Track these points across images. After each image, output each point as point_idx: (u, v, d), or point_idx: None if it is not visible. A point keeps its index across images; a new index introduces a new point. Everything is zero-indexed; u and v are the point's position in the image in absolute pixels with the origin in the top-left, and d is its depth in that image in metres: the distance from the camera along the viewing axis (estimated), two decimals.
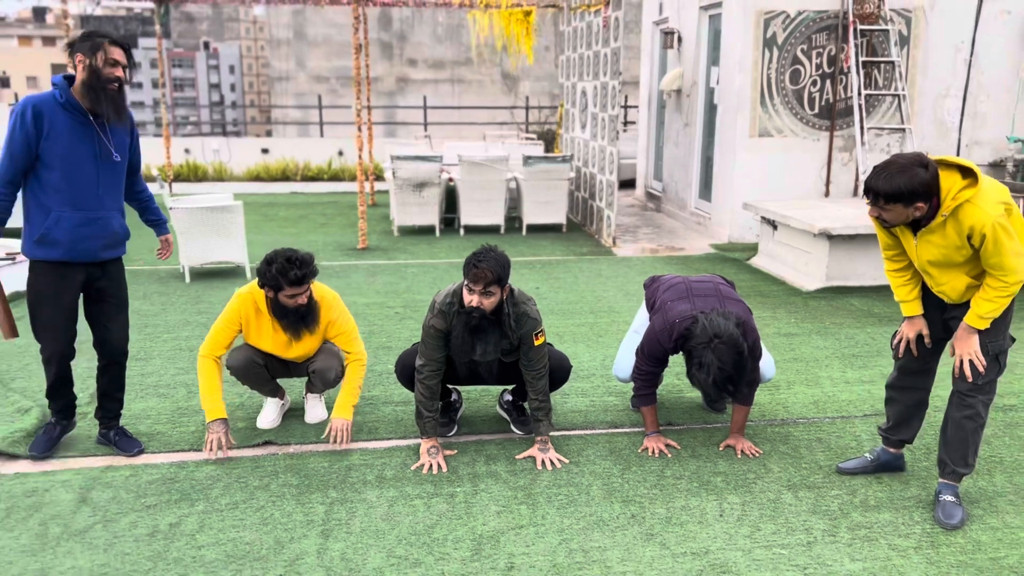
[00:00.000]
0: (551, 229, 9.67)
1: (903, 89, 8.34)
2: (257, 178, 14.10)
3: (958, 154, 8.90)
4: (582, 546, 3.05)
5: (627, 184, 13.39)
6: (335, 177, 14.18)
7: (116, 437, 3.83)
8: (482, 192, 9.27)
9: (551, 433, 3.88)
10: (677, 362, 4.81)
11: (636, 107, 13.18)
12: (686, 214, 10.17)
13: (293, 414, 4.22)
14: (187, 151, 14.27)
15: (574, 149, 10.65)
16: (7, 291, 5.45)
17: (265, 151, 14.75)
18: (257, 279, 3.70)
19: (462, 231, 9.44)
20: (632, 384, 3.89)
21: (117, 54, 3.39)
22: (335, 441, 3.76)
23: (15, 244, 7.26)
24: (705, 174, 9.80)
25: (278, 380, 4.12)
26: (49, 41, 72.81)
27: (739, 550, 3.03)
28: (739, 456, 3.78)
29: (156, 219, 3.96)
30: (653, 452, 3.80)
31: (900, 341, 3.39)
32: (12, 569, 2.88)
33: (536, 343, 3.67)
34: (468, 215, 9.39)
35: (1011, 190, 7.09)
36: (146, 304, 6.30)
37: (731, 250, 8.44)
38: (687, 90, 10.06)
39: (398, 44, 26.78)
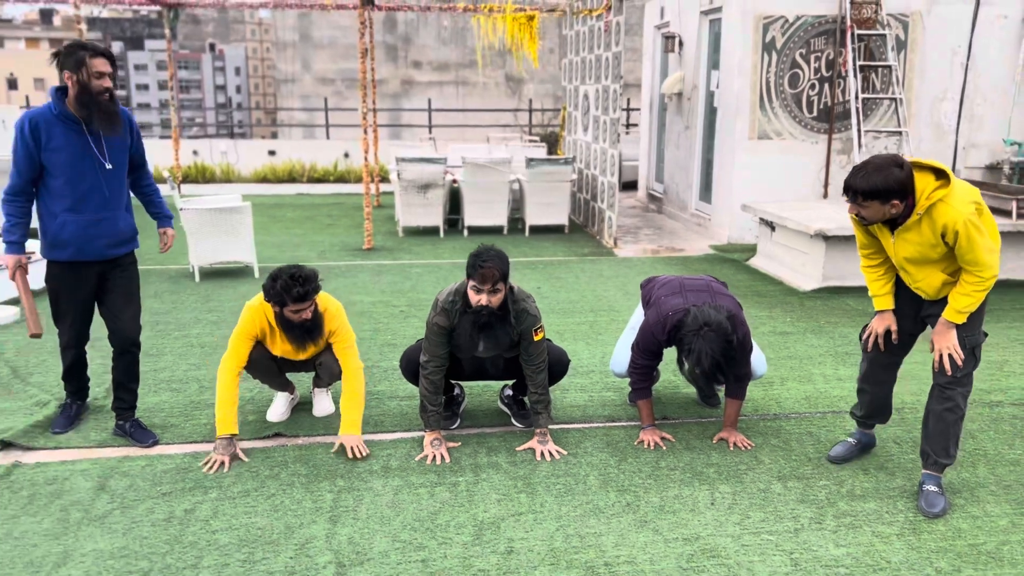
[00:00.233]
0: (553, 230, 9.82)
1: (900, 93, 8.47)
2: (264, 179, 14.27)
3: (955, 157, 9.04)
4: (578, 532, 3.19)
5: (629, 186, 13.53)
6: (341, 179, 14.34)
7: (132, 429, 3.99)
8: (485, 193, 9.42)
9: (550, 426, 4.02)
10: (673, 357, 4.96)
11: (639, 110, 13.31)
12: (687, 215, 10.31)
13: (302, 408, 4.37)
14: (195, 152, 14.45)
15: (576, 151, 10.79)
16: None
17: (272, 153, 14.92)
18: (263, 295, 3.78)
19: (466, 232, 9.59)
20: (629, 379, 4.03)
21: (101, 65, 3.57)
22: (352, 457, 3.79)
23: (31, 244, 7.43)
24: (705, 176, 9.94)
25: (287, 375, 4.26)
26: (56, 43, 73.23)
27: (728, 536, 3.17)
28: (732, 448, 3.92)
29: (159, 212, 4.15)
30: (649, 444, 3.94)
31: (869, 336, 3.54)
32: (36, 551, 3.03)
33: (536, 338, 3.81)
34: (472, 216, 9.54)
35: (1007, 192, 7.22)
36: (157, 303, 6.46)
37: (730, 251, 8.58)
38: (688, 93, 10.20)
39: (403, 47, 26.96)
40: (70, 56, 3.54)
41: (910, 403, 4.44)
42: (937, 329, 3.29)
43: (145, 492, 3.48)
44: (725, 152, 9.08)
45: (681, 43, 10.36)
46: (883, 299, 3.47)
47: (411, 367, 3.99)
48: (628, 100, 17.12)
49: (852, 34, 8.40)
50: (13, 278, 3.73)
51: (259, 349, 3.99)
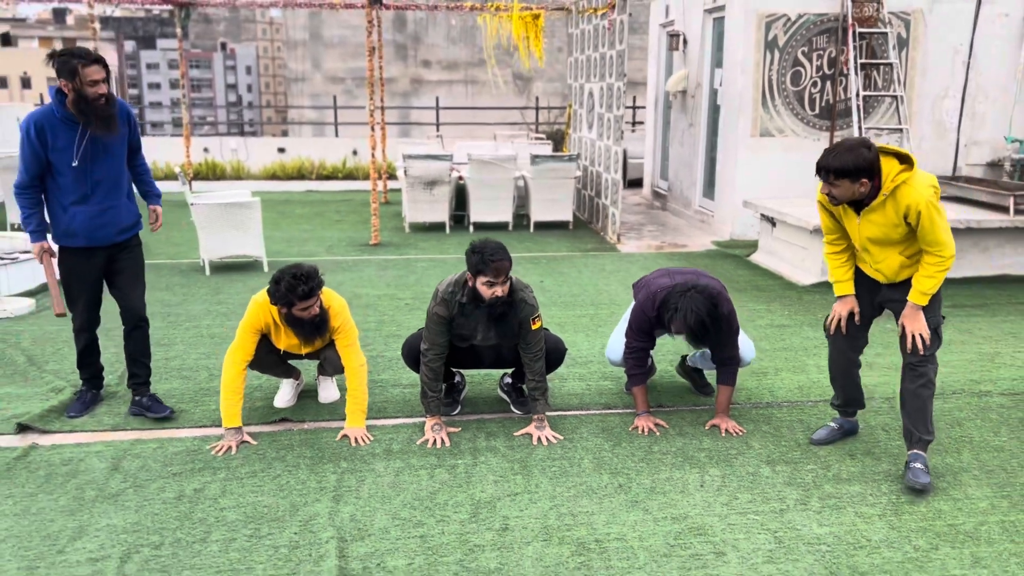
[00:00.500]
0: (558, 226, 9.94)
1: (900, 91, 8.55)
2: (274, 176, 14.45)
3: (956, 154, 9.12)
4: (571, 511, 3.32)
5: (636, 183, 13.64)
6: (349, 176, 14.51)
7: (148, 402, 4.22)
8: (491, 190, 9.55)
9: (547, 412, 4.15)
10: (668, 350, 5.08)
11: (645, 107, 13.42)
12: (690, 212, 10.42)
13: (307, 395, 4.51)
14: (206, 150, 14.64)
15: (582, 148, 10.91)
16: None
17: (281, 150, 15.10)
18: (269, 298, 3.88)
19: (471, 228, 9.73)
20: (624, 366, 4.16)
21: (94, 73, 3.76)
22: (356, 445, 3.91)
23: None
24: (709, 173, 10.04)
25: (292, 362, 4.40)
26: (69, 43, 73.74)
27: (716, 516, 3.29)
28: (723, 434, 4.04)
29: (148, 190, 4.35)
30: (643, 430, 4.06)
31: (833, 320, 3.74)
32: (53, 526, 3.18)
33: (533, 327, 3.94)
34: (477, 212, 9.67)
35: (1004, 189, 7.30)
36: (168, 295, 6.62)
37: (732, 247, 8.68)
38: (692, 91, 10.30)
39: (412, 45, 27.12)
40: (64, 65, 3.73)
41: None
42: (905, 313, 3.49)
43: (157, 472, 3.63)
44: (728, 149, 9.18)
45: (685, 41, 10.47)
46: (845, 285, 3.69)
47: (412, 354, 4.13)
48: (634, 98, 17.21)
49: (854, 32, 8.49)
50: (41, 262, 4.01)
51: (263, 346, 4.06)
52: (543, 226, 9.89)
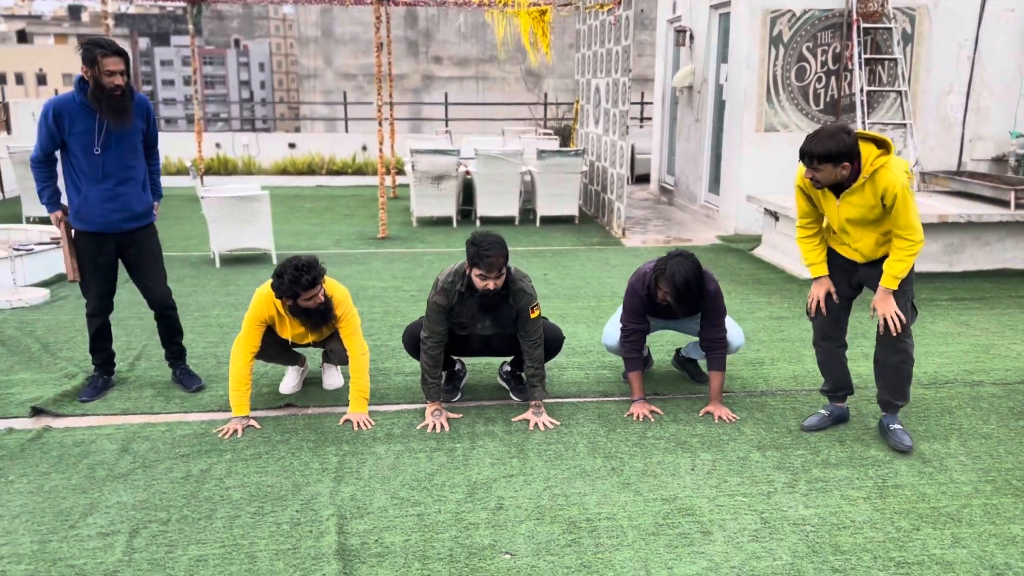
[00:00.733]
0: (564, 221, 10.03)
1: (904, 86, 8.59)
2: (284, 172, 14.60)
3: (961, 149, 9.14)
4: (564, 492, 3.42)
5: (644, 179, 13.71)
6: (359, 171, 14.64)
7: (181, 375, 4.53)
8: (498, 185, 9.65)
9: (545, 400, 4.25)
10: (665, 342, 5.17)
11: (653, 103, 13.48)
12: (696, 207, 10.48)
13: (312, 382, 4.63)
14: (218, 145, 14.81)
15: (588, 144, 10.99)
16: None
17: (292, 146, 15.25)
18: (273, 292, 3.98)
19: (478, 222, 9.83)
20: (621, 350, 4.25)
21: (112, 64, 3.94)
22: (358, 429, 4.02)
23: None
24: (715, 168, 10.10)
25: (297, 350, 4.52)
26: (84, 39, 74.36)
27: (704, 498, 3.38)
28: (716, 421, 4.13)
29: (152, 188, 4.46)
30: (638, 417, 4.15)
31: (813, 301, 3.87)
32: (65, 503, 3.31)
33: (532, 315, 4.04)
34: (484, 207, 9.78)
35: (1006, 183, 7.34)
36: (179, 286, 6.74)
37: (736, 241, 8.75)
38: (698, 87, 10.36)
39: (424, 42, 27.23)
40: (87, 53, 3.94)
41: None
42: (877, 297, 3.66)
43: (165, 454, 3.76)
44: (732, 144, 9.25)
45: (692, 37, 10.53)
46: (819, 266, 3.85)
47: (412, 341, 4.24)
48: (643, 94, 17.27)
49: (858, 28, 8.53)
50: (59, 227, 4.25)
51: (268, 336, 4.16)
52: (549, 220, 9.98)
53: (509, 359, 4.52)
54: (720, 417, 4.14)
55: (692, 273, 3.86)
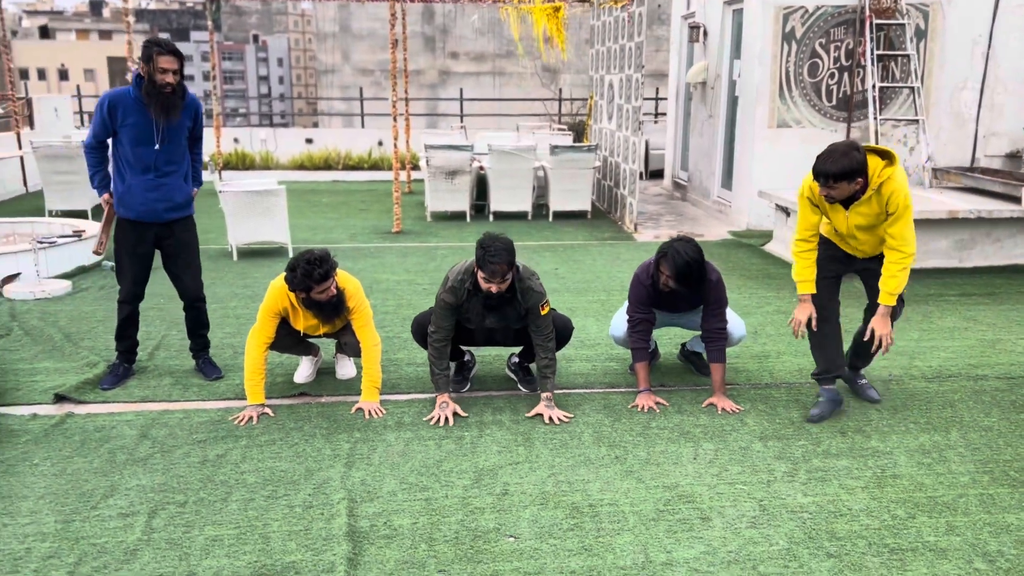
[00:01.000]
0: (576, 216, 10.11)
1: (917, 82, 8.60)
2: (301, 167, 14.76)
3: (975, 146, 9.14)
4: (568, 479, 3.51)
5: (658, 174, 13.75)
6: (375, 166, 14.77)
7: (203, 365, 4.69)
8: (511, 180, 9.74)
9: (554, 391, 4.33)
10: (673, 334, 5.24)
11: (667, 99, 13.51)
12: (709, 202, 10.53)
13: (326, 372, 4.75)
14: (236, 140, 14.97)
15: (602, 139, 11.06)
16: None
17: (309, 141, 15.40)
18: (287, 285, 4.08)
19: (491, 217, 9.93)
20: (628, 340, 4.34)
21: (166, 62, 4.14)
22: (370, 417, 4.14)
23: (81, 224, 7.94)
24: (728, 164, 10.15)
25: (311, 340, 4.63)
26: (106, 35, 74.93)
27: (705, 485, 3.47)
28: (720, 412, 4.20)
29: (192, 175, 4.66)
30: (643, 408, 4.24)
31: (798, 327, 4.07)
32: (87, 485, 3.44)
33: (542, 313, 4.13)
34: (497, 202, 9.87)
35: (1017, 179, 7.36)
36: None
37: (748, 236, 8.80)
38: (711, 82, 10.40)
39: (440, 37, 27.33)
40: (145, 51, 4.16)
41: (897, 375, 4.69)
42: (876, 318, 3.90)
43: (182, 439, 3.88)
44: (745, 140, 9.29)
45: (706, 33, 10.57)
46: (808, 284, 4.03)
47: (420, 330, 4.34)
48: (657, 89, 17.30)
49: (871, 24, 8.55)
50: (105, 208, 4.47)
51: (282, 328, 4.27)
52: (562, 215, 10.06)
53: (518, 350, 4.61)
54: (723, 408, 4.22)
55: (693, 254, 3.97)
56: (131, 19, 9.26)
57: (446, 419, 4.08)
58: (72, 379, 4.55)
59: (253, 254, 7.87)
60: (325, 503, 3.31)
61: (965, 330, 5.57)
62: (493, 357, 4.98)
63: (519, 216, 10.00)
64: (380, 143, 15.16)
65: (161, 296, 5.79)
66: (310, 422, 4.09)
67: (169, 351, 5.09)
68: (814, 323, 4.03)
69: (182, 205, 4.51)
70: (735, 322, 4.35)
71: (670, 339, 5.24)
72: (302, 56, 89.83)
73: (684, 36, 11.78)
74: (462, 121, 15.47)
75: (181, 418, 4.13)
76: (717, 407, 4.24)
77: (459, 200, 9.82)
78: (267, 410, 4.16)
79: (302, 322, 4.30)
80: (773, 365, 4.90)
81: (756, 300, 6.32)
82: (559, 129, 13.46)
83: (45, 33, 74.44)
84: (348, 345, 4.51)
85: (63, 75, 64.41)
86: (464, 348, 4.60)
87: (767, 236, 8.60)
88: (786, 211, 7.96)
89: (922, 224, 7.10)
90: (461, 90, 17.84)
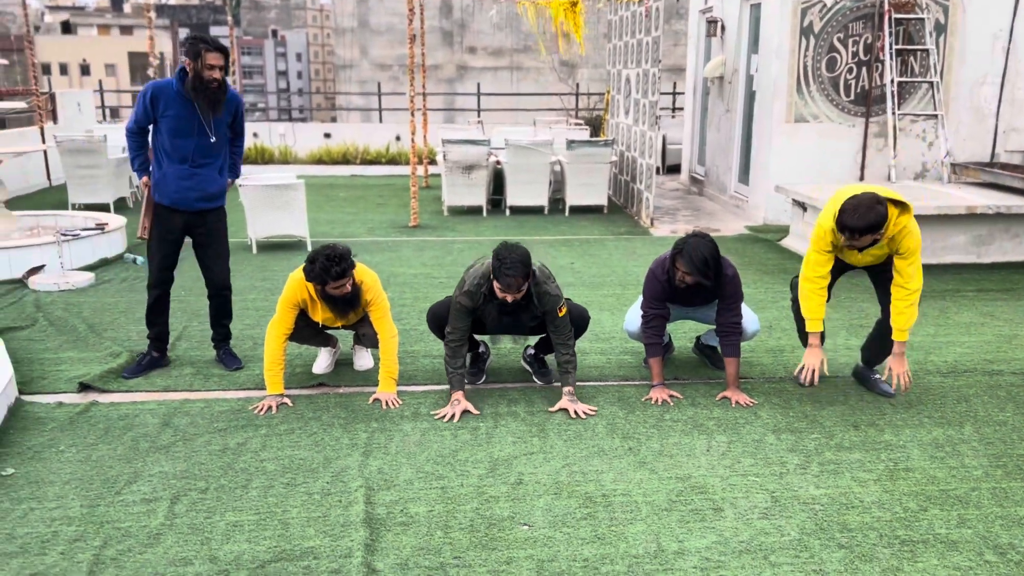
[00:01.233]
0: (593, 210, 10.13)
1: (935, 77, 8.55)
2: (320, 161, 14.86)
3: (995, 141, 9.07)
4: (582, 469, 3.56)
5: (675, 169, 13.74)
6: (392, 161, 14.85)
7: (224, 355, 4.79)
8: (527, 174, 9.77)
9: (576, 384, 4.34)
10: (688, 328, 5.27)
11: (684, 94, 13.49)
12: (726, 197, 10.52)
13: (344, 363, 4.82)
14: (255, 135, 15.09)
15: (618, 134, 11.06)
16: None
17: (327, 136, 15.50)
18: (304, 275, 4.15)
19: (508, 211, 9.97)
20: (642, 335, 4.37)
21: (213, 59, 4.26)
22: (387, 408, 4.20)
23: (105, 216, 8.06)
24: (745, 159, 10.13)
25: (329, 332, 4.70)
26: (126, 30, 75.50)
27: (717, 477, 3.50)
28: (733, 406, 4.23)
29: (231, 164, 4.79)
30: (657, 401, 4.27)
31: (807, 373, 4.15)
32: (111, 471, 3.52)
33: (560, 315, 4.16)
34: (514, 196, 9.91)
35: None
36: None
37: (764, 231, 8.79)
38: (729, 77, 10.38)
39: (458, 32, 27.36)
40: (192, 47, 4.27)
41: (912, 370, 4.68)
42: (893, 359, 4.14)
43: (204, 428, 3.96)
44: (762, 135, 9.27)
45: (723, 27, 10.54)
46: (817, 322, 4.12)
47: (436, 320, 4.38)
48: (675, 84, 17.26)
49: (890, 18, 8.50)
50: (144, 191, 4.58)
51: (301, 319, 4.34)
52: (578, 210, 10.09)
53: (533, 341, 4.65)
54: (737, 402, 4.24)
55: (709, 251, 4.00)
56: (152, 15, 9.37)
57: (454, 416, 4.08)
58: (96, 369, 4.64)
59: (272, 247, 7.96)
60: (343, 491, 3.37)
61: (981, 325, 5.56)
62: (508, 349, 5.03)
63: (535, 211, 10.03)
64: (398, 138, 15.23)
65: (182, 288, 5.87)
66: (328, 412, 4.15)
67: (190, 342, 5.18)
68: (816, 374, 4.17)
69: (214, 196, 4.61)
70: (749, 317, 4.37)
71: (685, 332, 5.27)
72: (320, 51, 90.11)
73: (702, 31, 11.76)
74: (479, 116, 15.51)
75: (202, 407, 4.21)
76: (731, 400, 4.26)
77: (476, 195, 9.87)
78: (286, 400, 4.23)
79: (320, 314, 4.37)
80: (788, 359, 4.92)
81: (772, 295, 6.33)
82: (576, 124, 13.47)
83: (67, 28, 75.11)
84: (366, 337, 4.58)
85: (84, 70, 64.97)
86: (479, 339, 4.64)
87: (784, 231, 8.59)
88: (803, 206, 7.95)
89: (940, 220, 7.08)
90: (479, 85, 17.88)
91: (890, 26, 8.51)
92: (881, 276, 4.14)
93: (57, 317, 5.63)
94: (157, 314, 4.70)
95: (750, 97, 9.87)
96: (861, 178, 9.03)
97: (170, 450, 3.73)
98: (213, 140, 4.48)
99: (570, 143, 9.75)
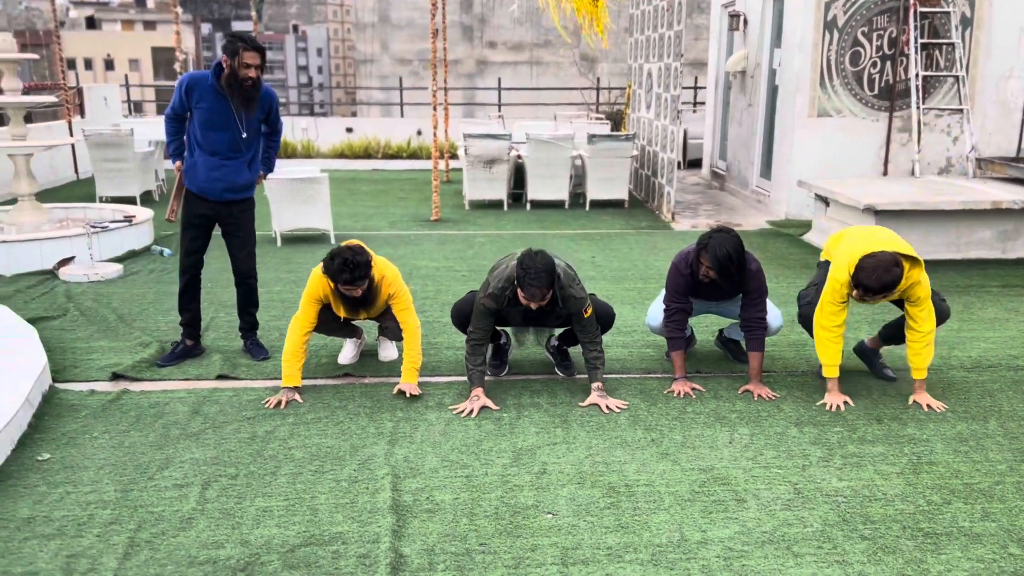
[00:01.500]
0: (613, 205, 10.14)
1: (962, 71, 8.48)
2: (341, 155, 14.96)
3: (1021, 135, 8.99)
4: (605, 459, 3.59)
5: (697, 163, 13.71)
6: (413, 155, 14.92)
7: (250, 345, 4.88)
8: (548, 169, 9.80)
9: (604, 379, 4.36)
10: (710, 321, 5.29)
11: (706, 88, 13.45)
12: (747, 192, 10.49)
13: (369, 354, 4.88)
14: None
15: (640, 129, 11.06)
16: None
17: (349, 130, 15.59)
18: (323, 268, 4.19)
19: (528, 206, 10.00)
20: (664, 330, 4.39)
21: (250, 58, 4.34)
22: (410, 398, 4.24)
23: (132, 209, 8.18)
24: (767, 153, 10.10)
25: (355, 323, 4.76)
26: (150, 25, 76.12)
27: (740, 468, 3.52)
28: (756, 399, 4.25)
29: (266, 157, 4.95)
30: (679, 394, 4.30)
31: (833, 407, 4.16)
32: (143, 457, 3.60)
33: (586, 316, 4.18)
34: (535, 191, 9.94)
35: None
36: None
37: (786, 226, 8.77)
38: (751, 71, 10.35)
39: (479, 27, 27.39)
40: (230, 45, 4.36)
41: (936, 365, 4.68)
42: (916, 393, 4.20)
43: (233, 416, 4.03)
44: (785, 129, 9.24)
45: (746, 21, 10.51)
46: (834, 367, 4.17)
47: (460, 316, 4.42)
48: (696, 78, 17.20)
49: (915, 12, 8.45)
50: (177, 174, 4.71)
51: (324, 312, 4.39)
52: (599, 204, 10.10)
53: (558, 332, 4.68)
54: (759, 395, 4.26)
55: (734, 246, 4.01)
56: (179, 10, 9.47)
57: (471, 412, 4.08)
58: (126, 358, 4.73)
59: (296, 240, 8.04)
60: (370, 478, 3.42)
61: (1006, 321, 5.54)
62: (530, 344, 5.06)
63: (556, 205, 10.06)
64: (419, 132, 15.30)
65: (208, 280, 5.94)
66: (354, 401, 4.21)
67: (218, 332, 5.26)
68: (847, 403, 4.21)
69: (242, 188, 4.69)
70: (772, 313, 4.37)
71: (707, 326, 5.28)
72: (341, 46, 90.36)
73: (724, 24, 11.72)
74: (500, 110, 15.54)
75: (231, 396, 4.28)
76: (753, 394, 4.28)
77: (497, 189, 9.90)
78: (296, 396, 4.23)
79: (339, 308, 4.42)
80: (810, 353, 4.91)
81: (794, 290, 6.30)
82: (597, 118, 13.47)
83: (91, 24, 75.79)
84: (389, 329, 4.64)
85: (109, 65, 65.57)
86: (501, 330, 4.68)
87: (806, 226, 8.56)
88: (825, 201, 7.93)
89: (965, 215, 7.04)
90: (499, 79, 17.90)
91: (915, 20, 8.45)
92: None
93: (87, 307, 5.73)
94: (188, 300, 4.79)
95: (772, 91, 9.84)
96: (884, 173, 8.98)
97: (200, 437, 3.80)
98: (244, 136, 4.56)
99: (591, 137, 9.76)
